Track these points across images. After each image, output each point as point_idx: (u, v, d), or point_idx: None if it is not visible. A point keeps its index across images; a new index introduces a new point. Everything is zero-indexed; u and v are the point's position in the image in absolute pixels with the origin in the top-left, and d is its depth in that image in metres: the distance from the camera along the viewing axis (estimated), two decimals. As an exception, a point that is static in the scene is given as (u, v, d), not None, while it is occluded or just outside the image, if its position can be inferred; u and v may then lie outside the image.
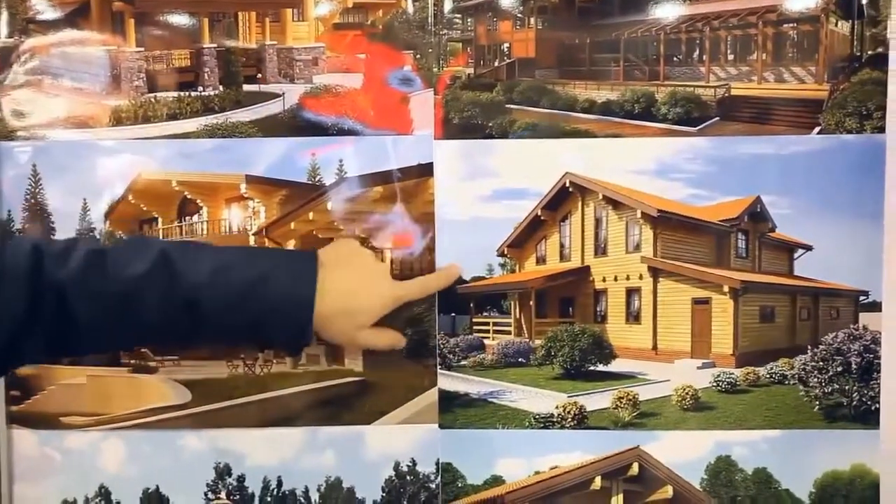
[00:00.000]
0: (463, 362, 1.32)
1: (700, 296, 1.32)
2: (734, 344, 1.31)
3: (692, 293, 1.32)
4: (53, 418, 1.35)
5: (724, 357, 1.31)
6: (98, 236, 1.33)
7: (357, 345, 1.18)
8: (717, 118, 1.27)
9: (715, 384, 1.30)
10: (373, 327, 1.12)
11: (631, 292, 1.34)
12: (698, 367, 1.31)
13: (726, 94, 1.27)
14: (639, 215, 1.31)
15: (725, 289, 1.31)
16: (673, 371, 1.31)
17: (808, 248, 1.28)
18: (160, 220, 1.37)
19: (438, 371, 1.31)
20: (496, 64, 1.29)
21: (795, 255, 1.31)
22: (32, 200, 1.32)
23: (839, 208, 1.26)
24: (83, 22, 1.30)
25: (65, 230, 1.32)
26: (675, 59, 1.28)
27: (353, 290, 1.10)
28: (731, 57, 1.27)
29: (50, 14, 1.30)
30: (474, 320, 1.34)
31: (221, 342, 1.29)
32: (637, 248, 1.33)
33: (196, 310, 1.00)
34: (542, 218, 1.31)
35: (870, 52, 1.24)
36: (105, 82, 1.30)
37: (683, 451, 1.31)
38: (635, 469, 1.31)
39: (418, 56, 1.28)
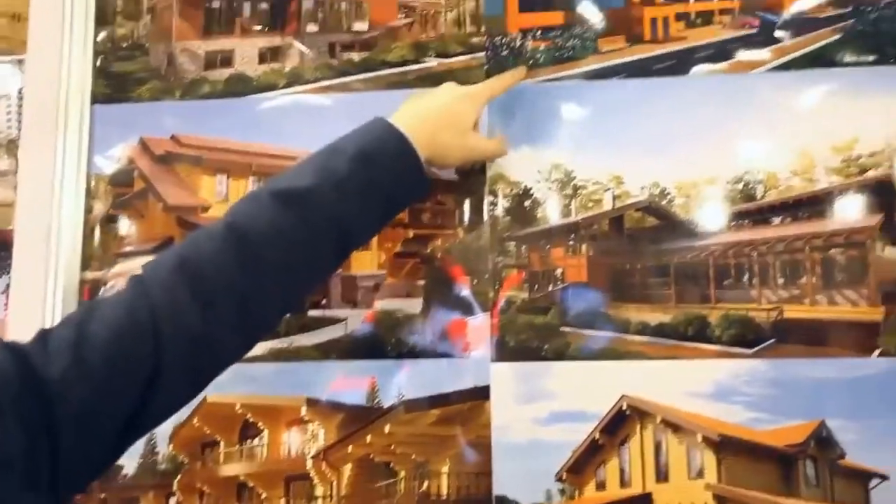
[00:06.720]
0: None
1: (774, 529, 1.25)
2: (815, 581, 1.22)
3: (765, 525, 1.25)
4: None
5: None
6: (160, 460, 1.35)
7: (470, 150, 1.24)
8: (773, 340, 1.27)
9: None
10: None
11: (698, 523, 1.28)
12: None
13: (779, 317, 1.28)
14: (699, 439, 1.28)
15: (800, 521, 1.24)
16: None
17: (884, 477, 1.22)
18: (222, 443, 1.39)
19: None
20: (550, 288, 1.33)
21: (871, 485, 1.24)
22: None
23: (915, 434, 1.21)
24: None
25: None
26: (724, 282, 1.30)
27: (436, 107, 1.16)
28: (780, 280, 1.29)
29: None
30: (534, 548, 1.29)
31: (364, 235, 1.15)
32: (700, 474, 1.28)
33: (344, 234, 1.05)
34: (600, 442, 1.29)
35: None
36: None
37: None
38: None
39: (475, 281, 1.33)
